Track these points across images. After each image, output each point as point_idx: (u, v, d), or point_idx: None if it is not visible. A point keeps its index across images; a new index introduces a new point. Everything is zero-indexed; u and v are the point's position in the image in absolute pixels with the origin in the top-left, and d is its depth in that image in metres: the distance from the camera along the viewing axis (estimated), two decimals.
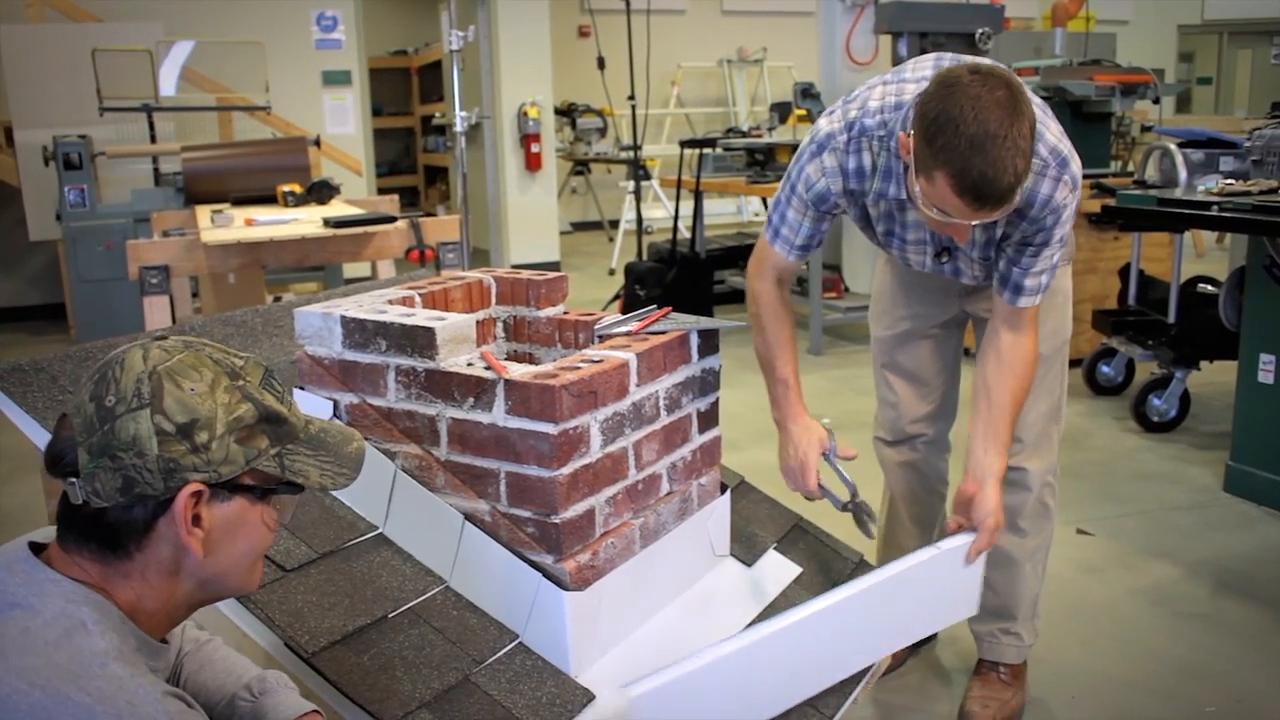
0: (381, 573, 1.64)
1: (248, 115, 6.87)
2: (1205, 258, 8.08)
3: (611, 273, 8.40)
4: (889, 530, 2.53)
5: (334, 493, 1.73)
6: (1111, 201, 4.08)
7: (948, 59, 1.92)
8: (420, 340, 1.63)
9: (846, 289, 6.28)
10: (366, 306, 1.76)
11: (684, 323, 1.83)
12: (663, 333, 1.78)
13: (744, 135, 7.15)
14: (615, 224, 9.50)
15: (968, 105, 1.63)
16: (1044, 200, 1.86)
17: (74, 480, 1.10)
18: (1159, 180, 4.15)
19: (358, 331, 1.70)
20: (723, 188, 6.92)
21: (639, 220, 7.05)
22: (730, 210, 11.41)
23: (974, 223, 1.73)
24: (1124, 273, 4.75)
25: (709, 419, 1.91)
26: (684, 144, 6.75)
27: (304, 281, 6.59)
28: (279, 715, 1.34)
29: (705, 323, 1.85)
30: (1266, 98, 10.23)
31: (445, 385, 1.62)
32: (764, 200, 7.99)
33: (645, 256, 6.72)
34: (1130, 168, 6.57)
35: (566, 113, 10.17)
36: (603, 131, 10.23)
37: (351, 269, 6.26)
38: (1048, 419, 2.24)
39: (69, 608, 1.07)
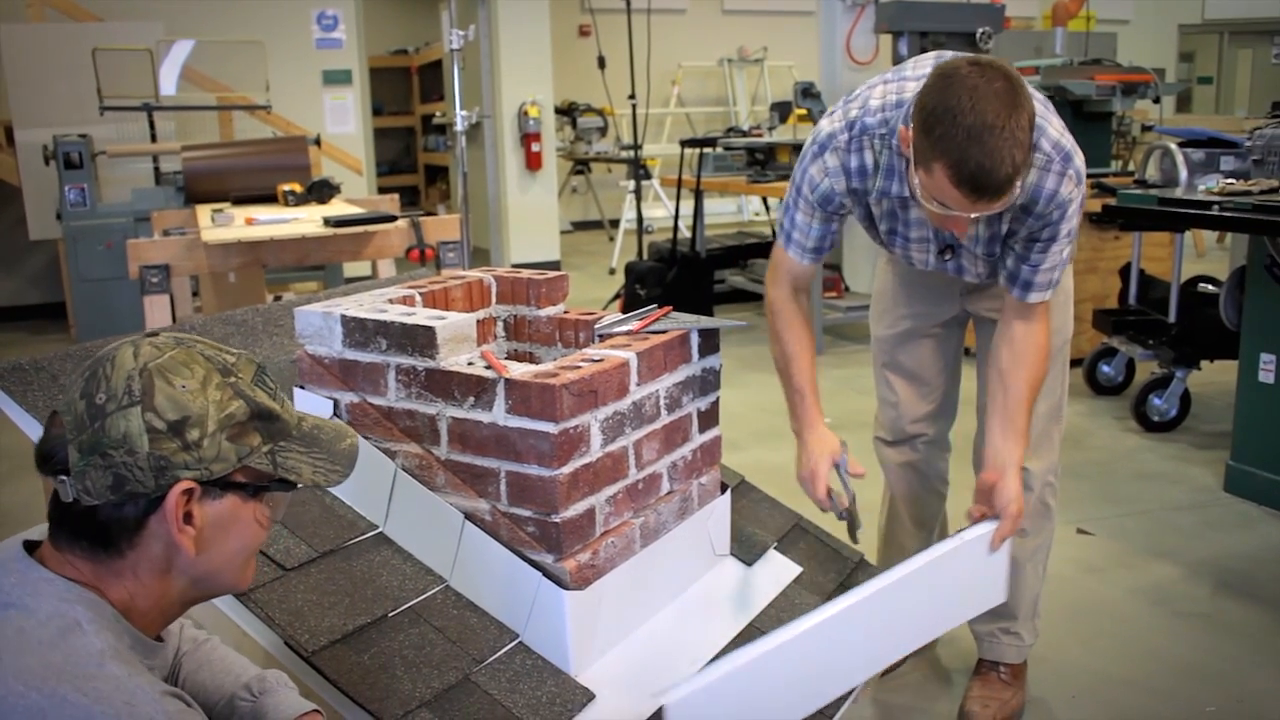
0: (382, 572, 1.64)
1: (248, 114, 6.87)
2: (1206, 257, 8.08)
3: (612, 272, 8.40)
4: (889, 530, 2.53)
5: (334, 492, 1.73)
6: (1112, 201, 4.08)
7: (948, 57, 1.92)
8: (421, 339, 1.63)
9: (847, 288, 6.28)
10: (367, 306, 1.76)
11: (684, 322, 1.83)
12: (663, 332, 1.78)
13: (744, 135, 7.15)
14: (615, 223, 9.49)
15: (965, 96, 1.63)
16: (1049, 195, 1.86)
17: (64, 478, 1.10)
18: (1159, 180, 4.15)
19: (358, 331, 1.70)
20: (723, 187, 6.91)
21: (639, 220, 7.05)
22: (731, 210, 11.41)
23: (973, 215, 1.73)
24: (1124, 272, 4.75)
25: (709, 418, 1.91)
26: (684, 143, 6.75)
27: (304, 281, 6.59)
28: (279, 715, 1.34)
29: (706, 322, 1.85)
30: (1267, 97, 10.23)
31: (446, 384, 1.62)
32: (764, 200, 8.00)
33: (645, 256, 6.72)
34: (1131, 167, 6.57)
35: (567, 112, 10.17)
36: (603, 131, 10.23)
37: (352, 268, 6.26)
38: (1049, 419, 2.24)
39: (63, 607, 1.07)
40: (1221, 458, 3.71)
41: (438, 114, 10.04)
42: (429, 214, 4.40)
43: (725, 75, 11.70)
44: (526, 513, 1.58)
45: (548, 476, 1.54)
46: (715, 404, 1.92)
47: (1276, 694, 2.45)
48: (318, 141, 6.06)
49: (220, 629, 1.53)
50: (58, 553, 1.13)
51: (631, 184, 7.79)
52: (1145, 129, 8.64)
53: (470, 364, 1.63)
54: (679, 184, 6.62)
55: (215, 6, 7.44)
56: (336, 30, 8.00)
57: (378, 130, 9.70)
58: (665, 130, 11.09)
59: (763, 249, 7.04)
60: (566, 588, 1.57)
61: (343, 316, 1.71)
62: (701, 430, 1.89)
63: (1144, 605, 2.86)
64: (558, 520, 1.56)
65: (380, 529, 1.72)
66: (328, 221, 3.99)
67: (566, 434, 1.53)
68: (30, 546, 1.15)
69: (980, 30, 5.54)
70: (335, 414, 1.73)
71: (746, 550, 2.01)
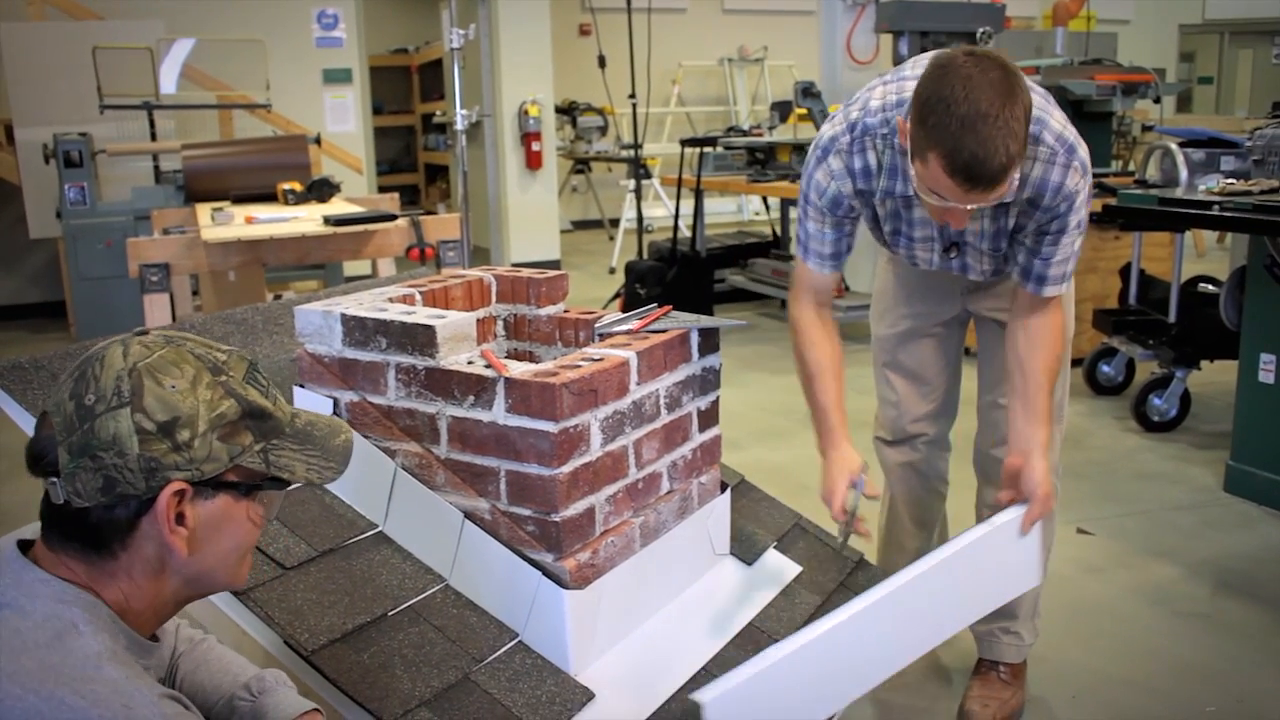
0: (381, 571, 1.64)
1: (248, 113, 6.87)
2: (1206, 257, 8.08)
3: (612, 271, 8.40)
4: (889, 530, 2.52)
5: (334, 490, 1.73)
6: (1113, 201, 4.08)
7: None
8: (420, 338, 1.63)
9: (847, 288, 6.27)
10: (367, 304, 1.76)
11: (684, 321, 1.83)
12: (663, 331, 1.78)
13: (745, 134, 7.15)
14: (616, 223, 9.49)
15: (959, 86, 1.63)
16: (1055, 187, 1.86)
17: (55, 480, 1.09)
18: (1160, 180, 4.15)
19: (358, 329, 1.70)
20: (723, 186, 6.91)
21: (639, 219, 7.04)
22: (731, 209, 11.41)
23: (969, 206, 1.72)
24: (1124, 272, 4.75)
25: (709, 417, 1.91)
26: (685, 143, 6.75)
27: (304, 279, 6.59)
28: (279, 714, 1.33)
29: (706, 321, 1.85)
30: (1267, 97, 10.23)
31: (445, 383, 1.61)
32: (764, 199, 8.00)
33: (646, 255, 6.72)
34: (1131, 167, 6.57)
35: (567, 111, 10.17)
36: (603, 130, 10.22)
37: (352, 267, 6.26)
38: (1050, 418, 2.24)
39: (59, 608, 1.06)
40: (1221, 458, 3.71)
41: (438, 113, 10.06)
42: (429, 213, 4.40)
43: (725, 74, 11.70)
44: (526, 512, 1.58)
45: (547, 475, 1.54)
46: (715, 403, 1.92)
47: (1277, 694, 2.45)
48: (318, 140, 6.06)
49: (220, 628, 1.53)
50: (51, 553, 1.12)
51: (632, 183, 7.79)
52: (1145, 129, 8.64)
53: (470, 363, 1.63)
54: (679, 183, 6.62)
55: (215, 5, 7.44)
56: (337, 29, 8.00)
57: (378, 129, 9.70)
58: (665, 129, 11.08)
59: (763, 248, 7.04)
60: (566, 587, 1.57)
61: (343, 315, 1.71)
62: (701, 429, 1.89)
63: (1144, 605, 2.86)
64: (557, 519, 1.56)
65: (380, 528, 1.72)
66: (328, 220, 4.00)
67: (566, 433, 1.53)
68: (24, 545, 1.15)
69: (980, 30, 5.54)
70: (335, 413, 1.73)
71: (746, 550, 2.00)
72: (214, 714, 1.36)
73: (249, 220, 4.12)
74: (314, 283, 6.46)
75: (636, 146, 6.97)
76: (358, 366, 1.71)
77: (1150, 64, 5.83)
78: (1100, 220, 4.45)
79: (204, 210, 4.44)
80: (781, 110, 6.81)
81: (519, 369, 1.58)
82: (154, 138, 6.20)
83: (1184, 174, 3.92)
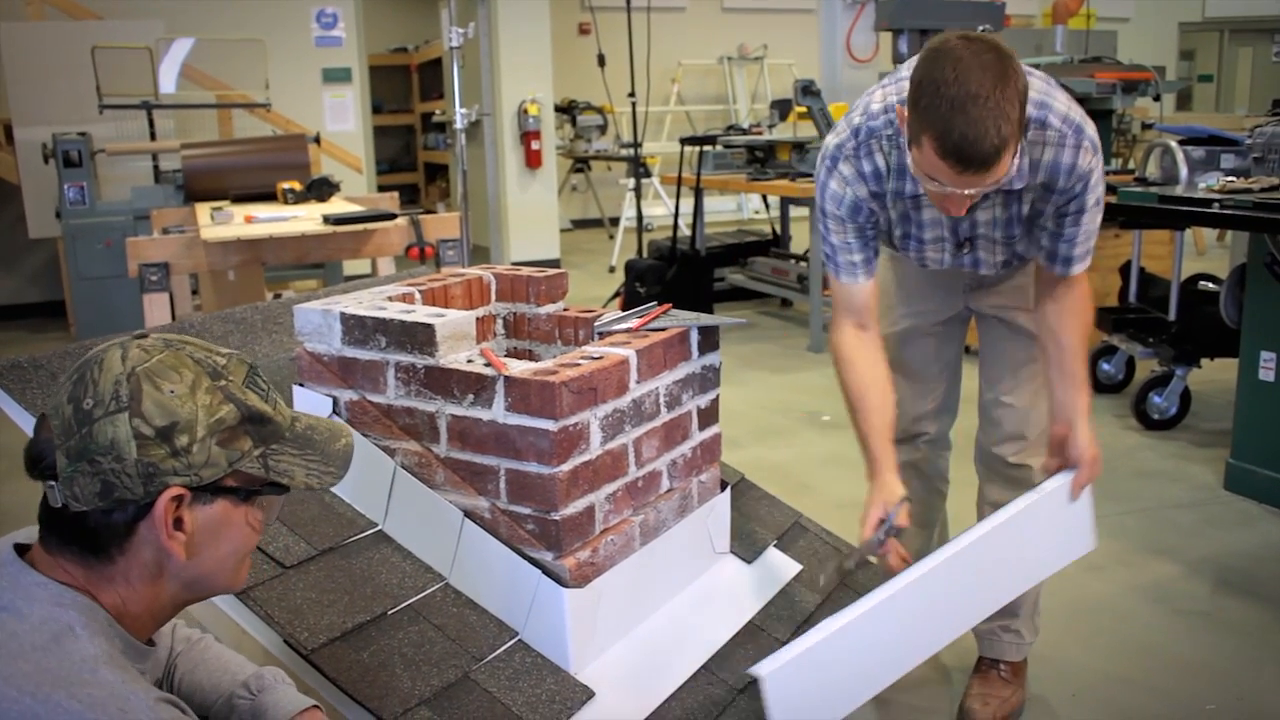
0: (381, 570, 1.64)
1: (248, 112, 6.86)
2: (1206, 255, 8.07)
3: (612, 270, 8.40)
4: None
5: (334, 489, 1.73)
6: (1112, 199, 4.07)
7: None
8: (420, 337, 1.63)
9: None
10: (366, 303, 1.76)
11: (684, 319, 1.83)
12: (663, 329, 1.78)
13: (744, 133, 7.14)
14: (615, 221, 9.49)
15: (950, 68, 1.63)
16: (1068, 169, 1.86)
17: (53, 483, 1.09)
18: (1160, 177, 4.14)
19: (357, 328, 1.70)
20: (723, 185, 6.91)
21: (639, 218, 7.04)
22: (731, 208, 11.40)
23: (967, 191, 1.71)
24: (1125, 270, 4.75)
25: (709, 416, 1.91)
26: (684, 141, 6.75)
27: (304, 279, 6.59)
28: (279, 712, 1.33)
29: (705, 320, 1.84)
30: (1267, 95, 10.22)
31: (445, 382, 1.61)
32: (764, 198, 8.00)
33: (645, 254, 6.72)
34: (1131, 165, 6.57)
35: (567, 110, 10.16)
36: (603, 129, 10.21)
37: (351, 266, 6.25)
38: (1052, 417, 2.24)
39: (56, 612, 1.06)
40: (1221, 455, 3.71)
41: (437, 112, 10.05)
42: (428, 212, 4.40)
43: (725, 73, 11.69)
44: (526, 510, 1.58)
45: (547, 474, 1.54)
46: (715, 401, 1.92)
47: (1277, 691, 2.45)
48: (317, 139, 6.06)
49: (219, 627, 1.53)
50: (49, 556, 1.12)
51: (631, 182, 7.79)
52: (1145, 127, 8.64)
53: (470, 361, 1.63)
54: (679, 182, 6.62)
55: (215, 4, 7.44)
56: (336, 28, 7.99)
57: (377, 128, 9.69)
58: (665, 128, 11.08)
59: (762, 247, 7.04)
60: (566, 585, 1.57)
61: (342, 314, 1.71)
62: (701, 428, 1.89)
63: (1144, 603, 2.86)
64: (557, 518, 1.56)
65: (379, 527, 1.72)
66: (327, 219, 3.99)
67: (566, 431, 1.53)
68: (20, 549, 1.14)
69: (980, 28, 5.52)
70: (334, 411, 1.73)
71: (746, 548, 2.01)
72: (213, 713, 1.36)
73: (248, 219, 4.12)
74: (313, 282, 6.46)
75: (636, 145, 6.97)
76: (357, 365, 1.71)
77: (1150, 62, 5.82)
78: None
79: (203, 210, 4.43)
80: (781, 109, 6.81)
81: (518, 367, 1.58)
82: (153, 137, 6.19)
83: (1184, 172, 3.92)
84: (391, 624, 1.56)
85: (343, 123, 8.02)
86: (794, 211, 7.24)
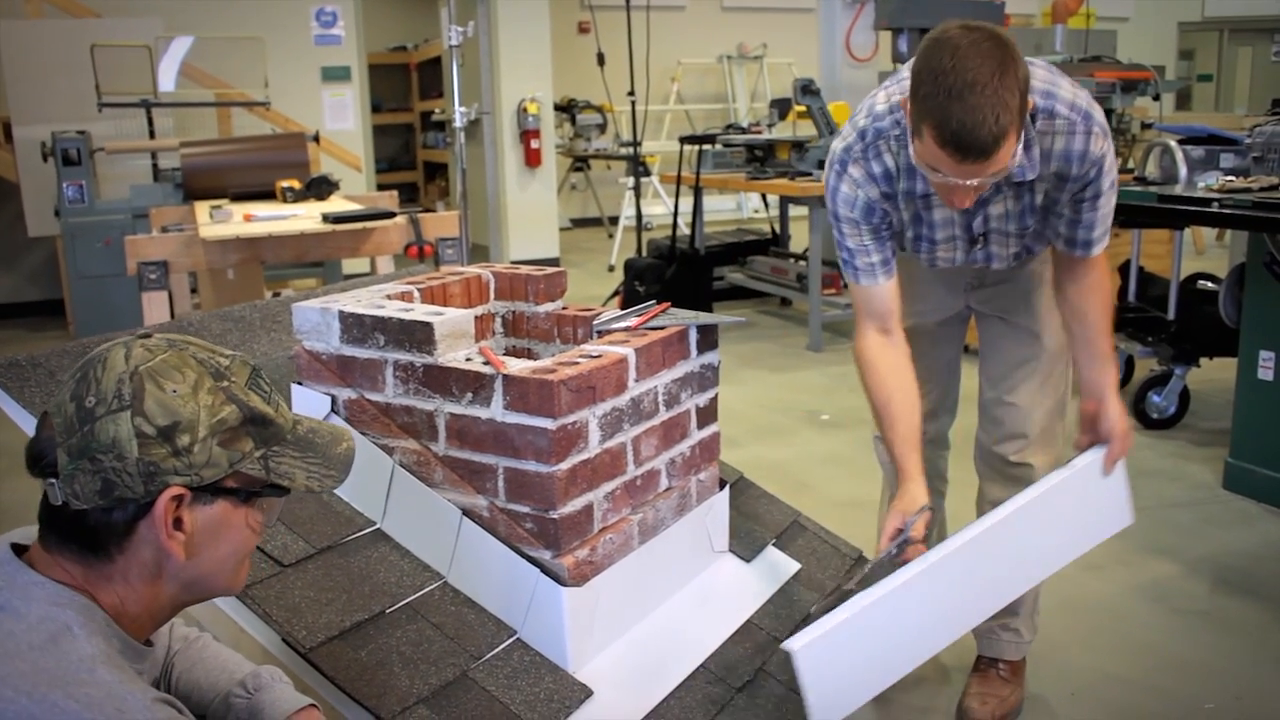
0: (379, 568, 1.64)
1: (247, 111, 6.86)
2: (1205, 255, 8.08)
3: (611, 269, 8.40)
4: None
5: None
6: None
7: None
8: (418, 335, 1.63)
9: (846, 285, 6.26)
10: (364, 301, 1.76)
11: (683, 318, 1.83)
12: (661, 328, 1.78)
13: (744, 131, 7.14)
14: (615, 220, 9.49)
15: (948, 56, 1.63)
16: (1080, 155, 1.85)
17: (54, 481, 1.09)
18: (1159, 177, 4.14)
19: (356, 326, 1.69)
20: (722, 184, 6.90)
21: (638, 217, 7.04)
22: (730, 207, 11.40)
23: (969, 181, 1.70)
24: (1124, 269, 4.75)
25: (708, 415, 1.91)
26: (684, 140, 6.75)
27: (303, 277, 6.59)
28: (276, 710, 1.33)
29: (704, 318, 1.84)
30: (1267, 95, 10.22)
31: (443, 380, 1.61)
32: (764, 196, 7.99)
33: (645, 253, 6.72)
34: (1130, 164, 6.56)
35: (566, 109, 10.16)
36: (602, 128, 10.21)
37: (351, 265, 6.25)
38: (1053, 414, 2.24)
39: (54, 611, 1.06)
40: (1220, 455, 3.71)
41: (437, 110, 10.03)
42: (427, 210, 4.39)
43: (725, 72, 11.69)
44: (524, 509, 1.58)
45: (545, 472, 1.54)
46: (714, 400, 1.92)
47: (1274, 690, 2.45)
48: (316, 138, 6.05)
49: (218, 626, 1.53)
50: (47, 555, 1.12)
51: (631, 181, 7.78)
52: (1145, 126, 8.62)
53: (468, 360, 1.63)
54: (678, 181, 6.62)
55: (214, 3, 7.43)
56: (335, 27, 7.99)
57: (377, 127, 9.69)
58: (664, 127, 11.07)
59: (762, 246, 7.04)
60: (564, 584, 1.57)
61: (340, 312, 1.71)
62: (700, 426, 1.88)
63: (1143, 602, 2.86)
64: (556, 516, 1.56)
65: (378, 525, 1.72)
66: (326, 218, 3.99)
67: (564, 430, 1.53)
68: (18, 549, 1.14)
69: None
70: (333, 410, 1.73)
71: (745, 547, 2.00)
72: (210, 711, 1.36)
73: (247, 218, 4.11)
74: (313, 280, 6.46)
75: (635, 144, 6.97)
76: (355, 364, 1.71)
77: (1150, 61, 5.83)
78: None
79: (202, 208, 4.43)
80: (781, 108, 6.80)
81: (517, 366, 1.58)
82: (152, 135, 6.19)
83: (1183, 171, 3.92)
84: (390, 622, 1.56)
85: (342, 121, 8.01)
86: (793, 211, 7.24)
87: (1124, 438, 1.94)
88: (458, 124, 4.60)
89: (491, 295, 2.01)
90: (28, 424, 1.67)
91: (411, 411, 1.66)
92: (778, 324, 6.45)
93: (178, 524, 1.11)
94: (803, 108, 6.24)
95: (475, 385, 1.58)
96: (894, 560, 1.79)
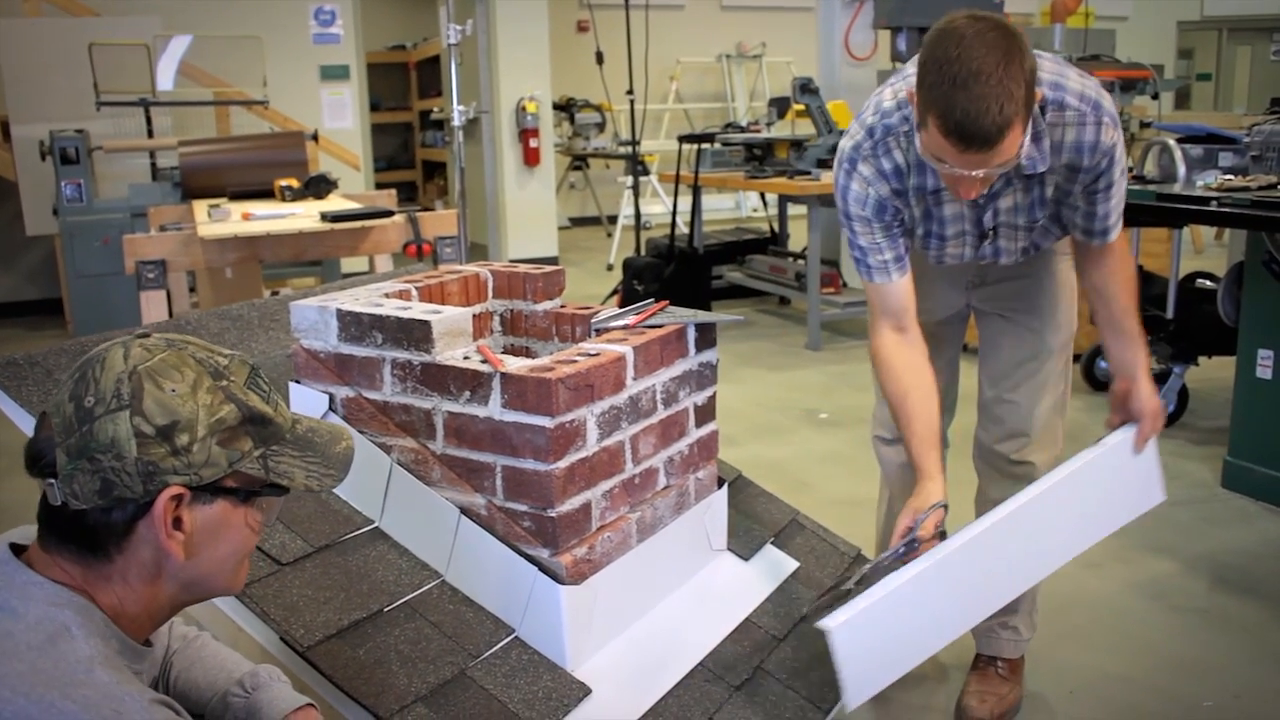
0: (377, 567, 1.64)
1: (245, 110, 6.85)
2: (1204, 254, 8.08)
3: (610, 268, 8.40)
4: (886, 530, 2.51)
5: None
6: None
7: None
8: (416, 333, 1.62)
9: (845, 284, 6.27)
10: (362, 300, 1.76)
11: (681, 317, 1.83)
12: (660, 326, 1.78)
13: (742, 130, 7.14)
14: (613, 219, 9.49)
15: (953, 46, 1.62)
16: (1091, 146, 1.85)
17: (53, 481, 1.08)
18: (1158, 175, 4.14)
19: (353, 325, 1.69)
20: (721, 183, 6.90)
21: (637, 216, 7.04)
22: (729, 205, 11.40)
23: (975, 173, 1.70)
24: None
25: (706, 413, 1.90)
26: (682, 139, 6.74)
27: (301, 276, 6.58)
28: (274, 710, 1.33)
29: (703, 317, 1.84)
30: (1266, 94, 10.22)
31: (441, 378, 1.61)
32: (762, 195, 7.99)
33: (643, 252, 6.72)
34: (1129, 163, 6.55)
35: (565, 108, 10.16)
36: (601, 127, 10.21)
37: (349, 264, 6.25)
38: (1053, 412, 2.24)
39: (52, 611, 1.06)
40: (1219, 453, 3.71)
41: (435, 109, 10.03)
42: (426, 209, 4.39)
43: (723, 71, 11.69)
44: (522, 507, 1.58)
45: (543, 471, 1.54)
46: (712, 399, 1.92)
47: (1273, 689, 2.45)
48: (315, 137, 6.05)
49: (216, 625, 1.53)
50: (46, 555, 1.12)
51: (629, 180, 7.78)
52: (1144, 125, 8.62)
53: (466, 358, 1.63)
54: (677, 180, 6.62)
55: (212, 2, 7.43)
56: (334, 25, 7.98)
57: (375, 126, 9.69)
58: (663, 126, 11.07)
59: (760, 245, 7.03)
60: (562, 582, 1.57)
61: (338, 311, 1.70)
62: (698, 425, 1.88)
63: (1141, 600, 2.86)
64: (554, 515, 1.56)
65: (376, 524, 1.72)
66: (325, 217, 3.99)
67: (562, 428, 1.53)
68: (16, 550, 1.14)
69: None
70: (331, 408, 1.73)
71: (744, 545, 2.00)
72: (208, 710, 1.36)
73: (246, 217, 4.11)
74: (311, 279, 6.45)
75: (634, 143, 6.96)
76: (353, 362, 1.71)
77: (1148, 60, 5.83)
78: None
79: (201, 207, 4.43)
80: (779, 106, 6.81)
81: (515, 364, 1.58)
82: (151, 134, 6.18)
83: (1182, 170, 3.92)
84: (388, 621, 1.56)
85: (340, 120, 8.01)
86: (792, 209, 7.24)
87: (1155, 416, 1.97)
88: (456, 123, 4.60)
89: (489, 294, 2.01)
90: (26, 423, 1.67)
91: (409, 410, 1.66)
92: (776, 323, 6.45)
93: (177, 524, 1.11)
94: (801, 106, 6.24)
95: (473, 383, 1.58)
96: (900, 558, 1.79)
